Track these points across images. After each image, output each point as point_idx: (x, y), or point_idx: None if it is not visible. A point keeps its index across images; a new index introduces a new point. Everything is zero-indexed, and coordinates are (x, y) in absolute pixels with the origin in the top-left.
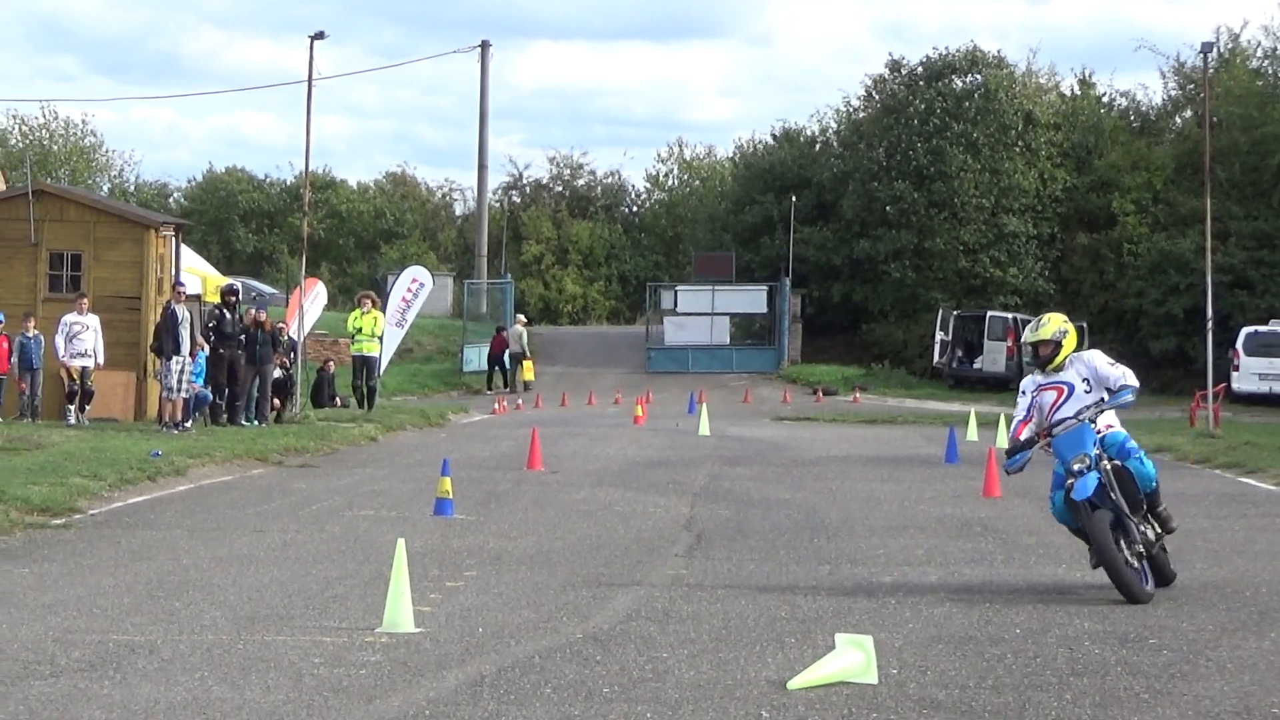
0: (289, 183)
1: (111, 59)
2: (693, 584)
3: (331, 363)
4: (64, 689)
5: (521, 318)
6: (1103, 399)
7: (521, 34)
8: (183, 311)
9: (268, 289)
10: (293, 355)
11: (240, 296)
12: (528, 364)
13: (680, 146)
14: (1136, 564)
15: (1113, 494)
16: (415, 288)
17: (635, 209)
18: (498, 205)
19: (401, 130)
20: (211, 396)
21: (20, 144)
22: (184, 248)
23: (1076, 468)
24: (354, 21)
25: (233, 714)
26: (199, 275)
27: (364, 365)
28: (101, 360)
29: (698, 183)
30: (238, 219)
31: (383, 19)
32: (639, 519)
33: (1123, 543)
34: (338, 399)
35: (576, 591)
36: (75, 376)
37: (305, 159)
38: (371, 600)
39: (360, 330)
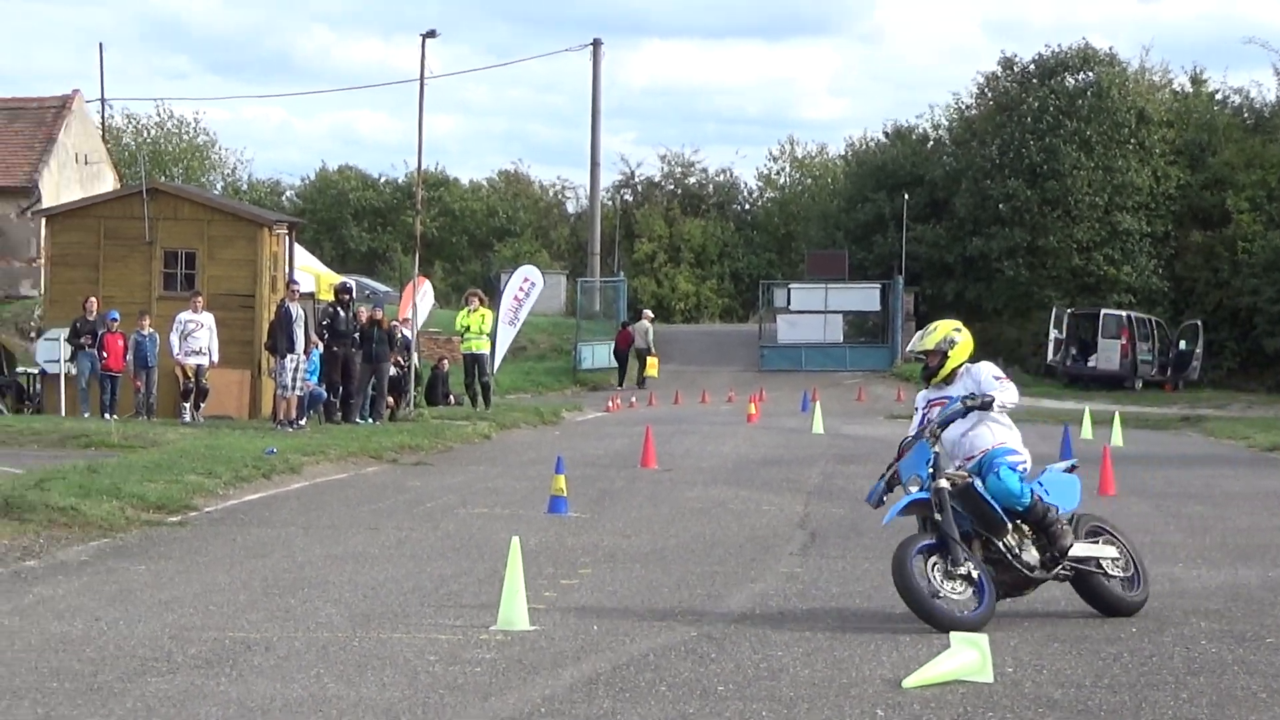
0: (401, 181)
1: (224, 58)
2: (807, 582)
3: (445, 361)
4: (181, 686)
5: (648, 314)
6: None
7: (633, 32)
8: (297, 309)
9: (381, 287)
10: (407, 353)
11: (354, 295)
12: (652, 360)
13: (792, 144)
14: (960, 589)
15: (938, 515)
16: (527, 287)
17: (747, 207)
18: (610, 203)
19: (513, 128)
20: (326, 394)
21: (134, 143)
22: (297, 246)
23: (912, 489)
24: (465, 20)
25: (349, 711)
26: (312, 273)
27: (475, 363)
28: (216, 358)
29: (810, 180)
30: (350, 217)
31: (494, 17)
32: (753, 517)
33: (936, 567)
34: (451, 397)
35: (691, 589)
36: (190, 374)
37: (418, 157)
38: (486, 598)
39: (469, 328)
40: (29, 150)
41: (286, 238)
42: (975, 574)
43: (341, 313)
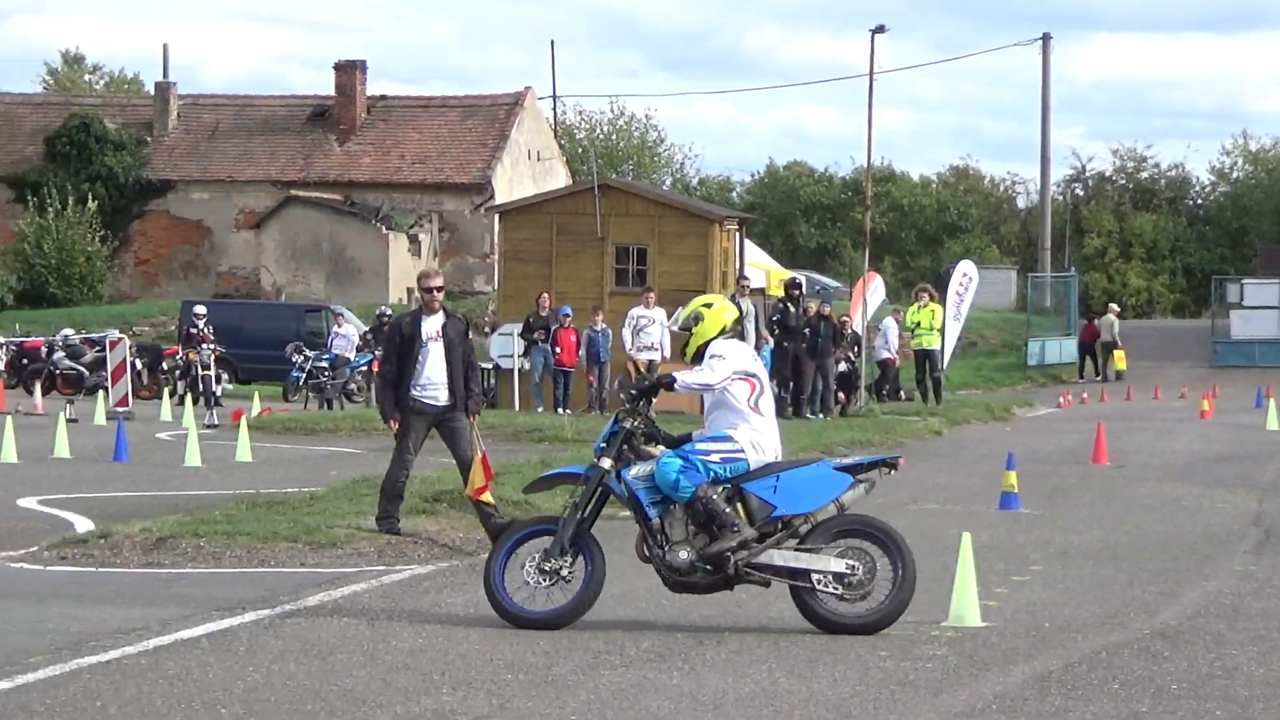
0: (849, 176)
1: (674, 55)
2: (1262, 580)
3: (894, 357)
4: (633, 679)
5: (1114, 307)
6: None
7: (1082, 26)
8: (747, 305)
9: (831, 282)
10: (856, 349)
11: (804, 290)
12: (1119, 353)
13: (1245, 138)
14: (543, 583)
15: (573, 499)
16: (965, 282)
17: (1199, 201)
18: (1060, 198)
19: (962, 123)
20: (777, 390)
21: (586, 139)
22: (748, 241)
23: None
24: (914, 15)
25: (800, 706)
26: (762, 269)
27: (925, 359)
28: (668, 353)
29: (1264, 174)
30: (799, 213)
31: (943, 12)
32: (1206, 514)
33: (533, 556)
34: (902, 392)
35: (1143, 587)
36: (642, 369)
37: (867, 153)
38: (937, 594)
39: (919, 324)
40: (482, 147)
41: (737, 233)
42: (566, 571)
43: (792, 308)
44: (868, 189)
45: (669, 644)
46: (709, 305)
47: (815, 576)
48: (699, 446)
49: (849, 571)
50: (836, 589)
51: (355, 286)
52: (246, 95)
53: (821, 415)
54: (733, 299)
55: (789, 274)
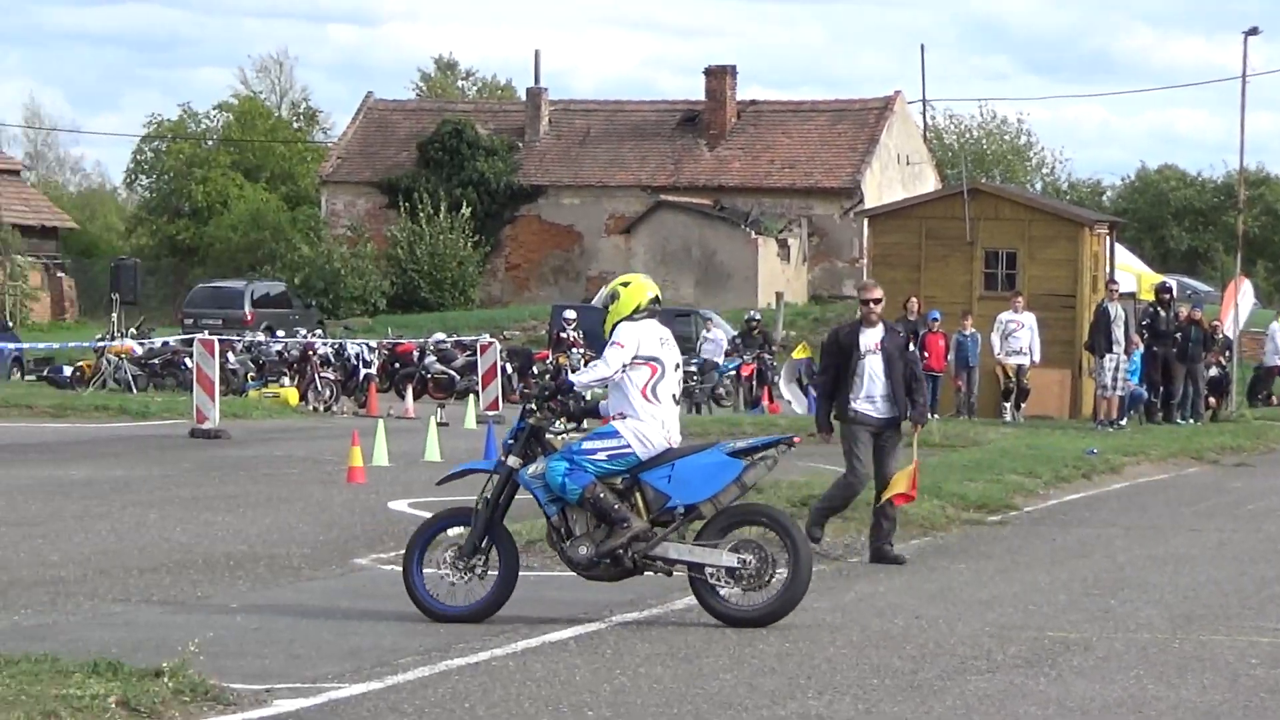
0: (1221, 180)
1: (1044, 58)
2: None
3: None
4: (1000, 684)
5: None
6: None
7: None
8: (1116, 309)
9: (1203, 286)
10: (1228, 353)
11: (1174, 294)
12: None
13: None
14: (458, 578)
15: (483, 497)
16: None
17: None
18: None
19: None
20: (1147, 394)
21: (956, 143)
22: (1118, 245)
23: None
24: None
25: (1167, 713)
26: (1133, 273)
27: None
28: (1037, 358)
29: None
30: (1170, 216)
31: None
32: None
33: (450, 549)
34: (1275, 398)
35: None
36: (1011, 374)
37: (1240, 156)
38: None
39: None
40: (852, 151)
41: (1107, 237)
42: (481, 569)
43: (1162, 312)
44: (1240, 193)
45: (1036, 650)
46: (626, 284)
47: (708, 570)
48: (585, 446)
49: (740, 566)
50: (729, 582)
51: (724, 291)
52: (616, 100)
53: (1192, 420)
54: (1102, 304)
55: (1159, 278)
